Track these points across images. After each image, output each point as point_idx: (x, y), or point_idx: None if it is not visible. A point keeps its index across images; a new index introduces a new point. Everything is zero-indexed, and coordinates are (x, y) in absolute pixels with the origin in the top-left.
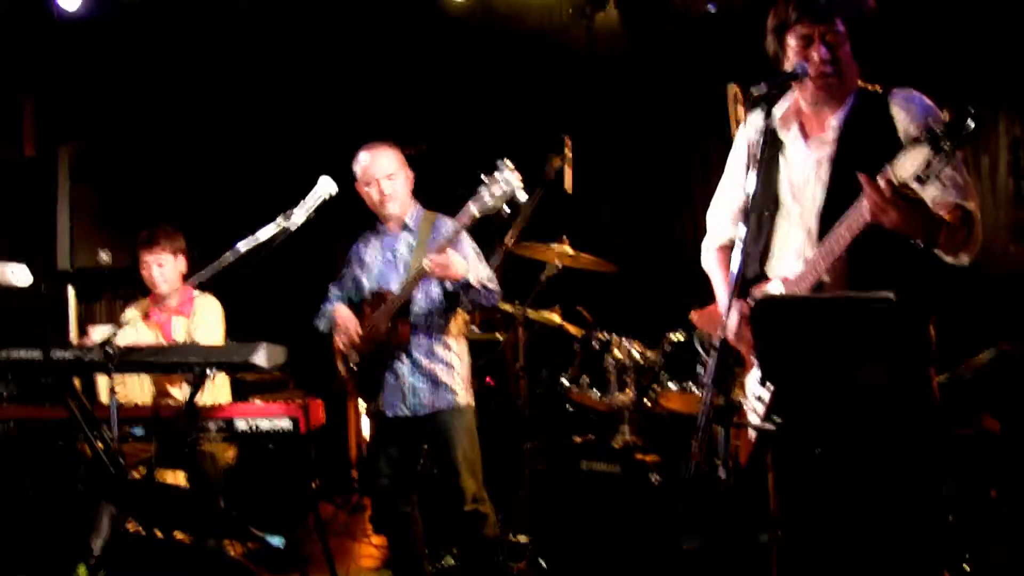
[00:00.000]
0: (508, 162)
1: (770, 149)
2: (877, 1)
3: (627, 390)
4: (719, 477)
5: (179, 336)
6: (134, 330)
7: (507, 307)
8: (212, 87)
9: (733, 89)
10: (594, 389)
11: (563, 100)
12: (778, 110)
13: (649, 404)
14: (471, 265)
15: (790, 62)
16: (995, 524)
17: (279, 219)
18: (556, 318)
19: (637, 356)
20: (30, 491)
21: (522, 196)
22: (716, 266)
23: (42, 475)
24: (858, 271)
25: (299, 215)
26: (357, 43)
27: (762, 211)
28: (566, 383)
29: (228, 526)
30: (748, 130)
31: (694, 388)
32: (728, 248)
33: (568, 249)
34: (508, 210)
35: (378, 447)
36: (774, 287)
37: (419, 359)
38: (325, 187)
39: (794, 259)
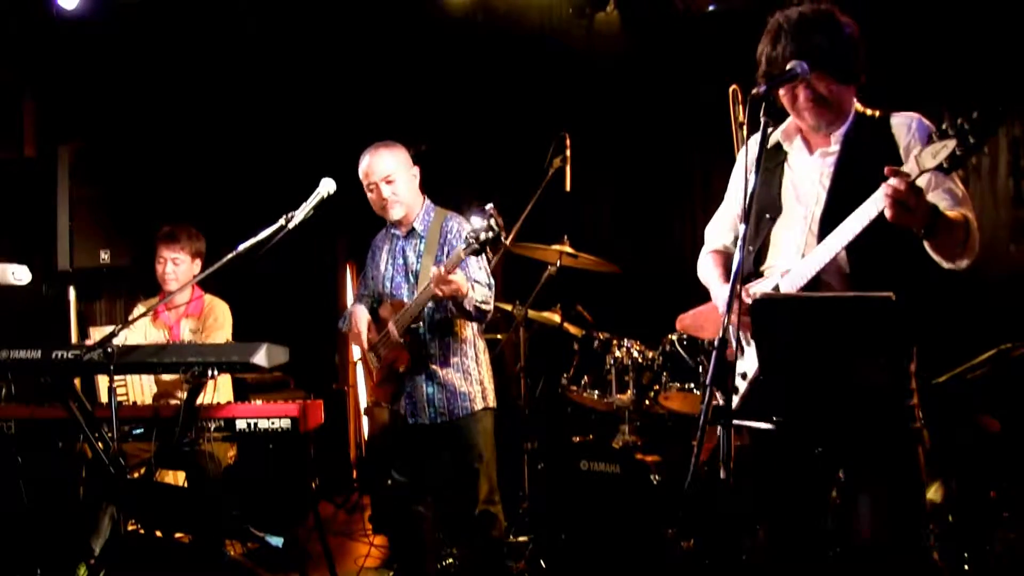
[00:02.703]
0: (493, 208)
1: (774, 159)
2: (869, 11)
3: (627, 390)
4: (719, 477)
5: (186, 337)
6: (142, 330)
7: (507, 307)
8: (213, 87)
9: (733, 89)
10: (594, 389)
11: (563, 100)
12: (780, 127)
13: (649, 404)
14: (475, 286)
15: (791, 111)
16: (995, 524)
17: (281, 221)
18: (556, 318)
19: (637, 356)
20: (30, 491)
21: (505, 241)
22: (711, 266)
23: (42, 475)
24: (858, 274)
25: (300, 216)
26: (357, 43)
27: (762, 214)
28: (566, 383)
29: (228, 526)
30: (748, 150)
31: (694, 388)
32: (721, 252)
33: (568, 249)
34: (491, 252)
35: (395, 446)
36: (770, 281)
37: (435, 370)
38: (325, 187)
39: (794, 255)
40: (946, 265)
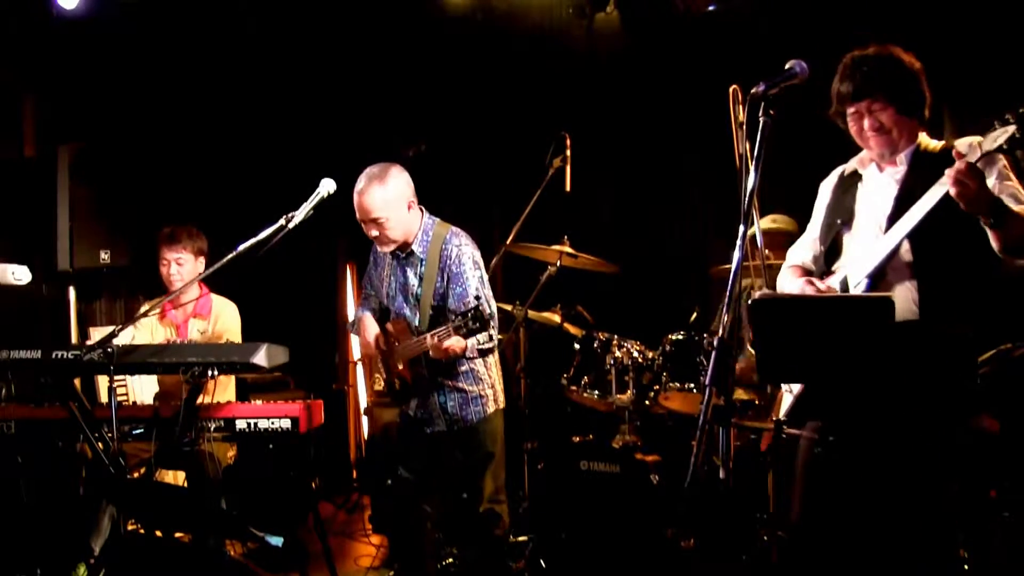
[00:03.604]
0: (478, 301)
1: (850, 181)
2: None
3: (627, 390)
4: (719, 477)
5: (195, 337)
6: (149, 329)
7: (507, 307)
8: (213, 87)
9: (733, 89)
10: (594, 389)
11: (563, 100)
12: (856, 157)
13: (649, 404)
14: (470, 341)
15: (855, 136)
16: (995, 524)
17: (281, 221)
18: (556, 318)
19: (637, 356)
20: (30, 491)
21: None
22: (787, 278)
23: (42, 475)
24: (921, 264)
25: (300, 216)
26: (358, 43)
27: (834, 220)
28: (566, 383)
29: (228, 526)
30: (830, 180)
31: (694, 388)
32: (799, 266)
33: (568, 249)
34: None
35: (404, 444)
36: (839, 274)
37: (444, 381)
38: (326, 187)
39: (862, 255)
40: (1010, 260)
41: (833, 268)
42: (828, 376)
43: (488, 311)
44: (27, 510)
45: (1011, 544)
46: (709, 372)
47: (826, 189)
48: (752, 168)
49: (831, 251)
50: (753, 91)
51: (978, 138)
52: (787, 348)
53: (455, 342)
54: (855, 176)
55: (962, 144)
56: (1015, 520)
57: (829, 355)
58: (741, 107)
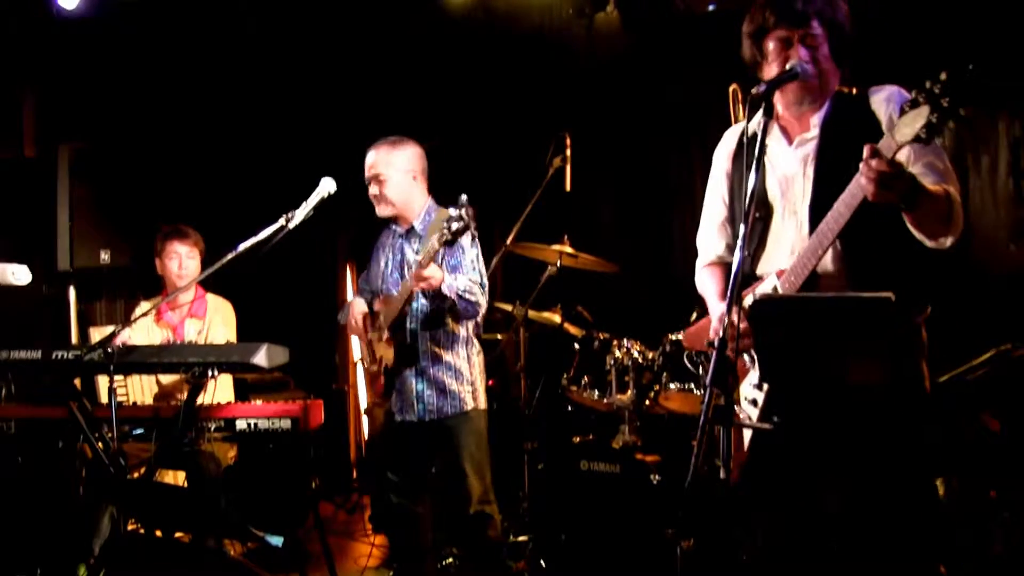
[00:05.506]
0: (465, 199)
1: (751, 154)
2: (870, 3)
3: (627, 390)
4: (719, 477)
5: (191, 338)
6: (145, 331)
7: (507, 307)
8: (213, 87)
9: (733, 89)
10: (594, 389)
11: (563, 99)
12: (755, 118)
13: (649, 404)
14: (457, 275)
15: (769, 66)
16: (995, 524)
17: (281, 220)
18: (556, 318)
19: (637, 356)
20: (30, 491)
21: (474, 230)
22: (709, 280)
23: (42, 475)
24: (854, 263)
25: (300, 216)
26: (358, 43)
27: (752, 214)
28: (566, 383)
29: (228, 526)
30: (727, 145)
31: (694, 388)
32: (717, 264)
33: (568, 249)
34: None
35: (388, 445)
36: (768, 283)
37: (425, 367)
38: (326, 187)
39: (787, 255)
40: (929, 244)
41: (759, 272)
42: (826, 373)
43: (472, 211)
44: (27, 510)
45: (1011, 544)
46: (709, 372)
47: (722, 158)
48: (752, 168)
49: (757, 246)
50: (753, 91)
51: (896, 89)
52: (787, 347)
53: (434, 270)
54: (757, 144)
55: (878, 100)
56: (1015, 520)
57: (827, 355)
58: (741, 107)
